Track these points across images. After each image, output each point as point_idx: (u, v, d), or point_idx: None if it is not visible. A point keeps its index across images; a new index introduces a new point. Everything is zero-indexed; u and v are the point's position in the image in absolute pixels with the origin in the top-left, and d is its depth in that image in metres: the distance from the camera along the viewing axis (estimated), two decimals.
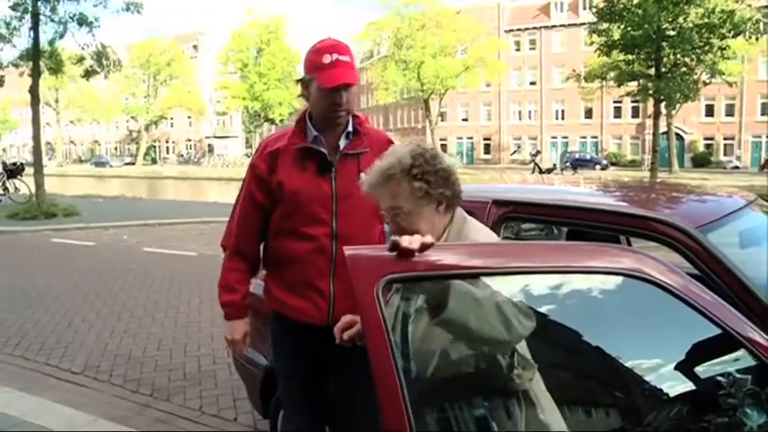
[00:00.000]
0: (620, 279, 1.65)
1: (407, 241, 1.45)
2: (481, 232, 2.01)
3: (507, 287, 1.80)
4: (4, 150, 77.12)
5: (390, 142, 2.52)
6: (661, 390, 1.71)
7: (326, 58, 2.36)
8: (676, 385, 1.73)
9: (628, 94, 29.53)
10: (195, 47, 78.62)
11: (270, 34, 59.58)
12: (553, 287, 1.79)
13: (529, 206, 2.94)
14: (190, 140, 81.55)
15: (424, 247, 1.47)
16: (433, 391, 1.67)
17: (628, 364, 1.75)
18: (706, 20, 24.04)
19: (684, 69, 25.82)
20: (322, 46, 2.41)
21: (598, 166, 49.56)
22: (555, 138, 60.59)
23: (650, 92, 26.82)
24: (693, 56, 25.26)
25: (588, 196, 3.39)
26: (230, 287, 2.61)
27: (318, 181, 2.45)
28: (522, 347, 1.85)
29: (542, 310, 1.80)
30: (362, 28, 55.56)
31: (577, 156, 50.35)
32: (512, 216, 2.91)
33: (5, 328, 6.61)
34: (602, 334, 1.80)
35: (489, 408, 1.80)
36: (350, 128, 2.49)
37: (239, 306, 2.61)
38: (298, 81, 2.56)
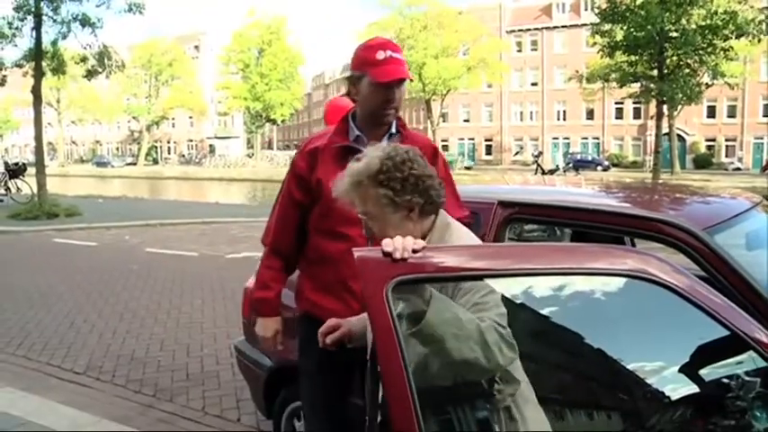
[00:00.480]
0: (624, 280, 1.64)
1: (392, 247, 1.45)
2: (464, 238, 1.96)
3: (514, 289, 1.81)
4: (6, 150, 77.18)
5: (433, 148, 2.53)
6: (664, 392, 1.71)
7: (380, 54, 2.36)
8: (681, 387, 1.72)
9: (630, 95, 29.58)
10: (197, 47, 78.73)
11: (271, 35, 59.60)
12: (559, 289, 1.79)
13: (534, 207, 2.93)
14: (191, 141, 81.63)
15: (415, 252, 1.46)
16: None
17: (632, 366, 1.74)
18: (709, 21, 24.09)
19: (687, 71, 25.83)
20: (374, 43, 2.42)
21: (599, 168, 49.59)
22: (556, 139, 60.61)
23: (653, 93, 26.84)
24: (696, 57, 25.26)
25: (593, 198, 3.39)
26: (265, 284, 2.61)
27: None
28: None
29: (547, 311, 1.80)
30: (364, 28, 55.56)
31: (579, 157, 50.35)
32: (517, 217, 2.91)
33: (8, 329, 6.61)
34: (606, 336, 1.80)
35: (467, 423, 1.76)
36: (393, 129, 2.48)
37: (272, 303, 2.60)
38: (347, 78, 2.55)
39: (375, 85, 2.36)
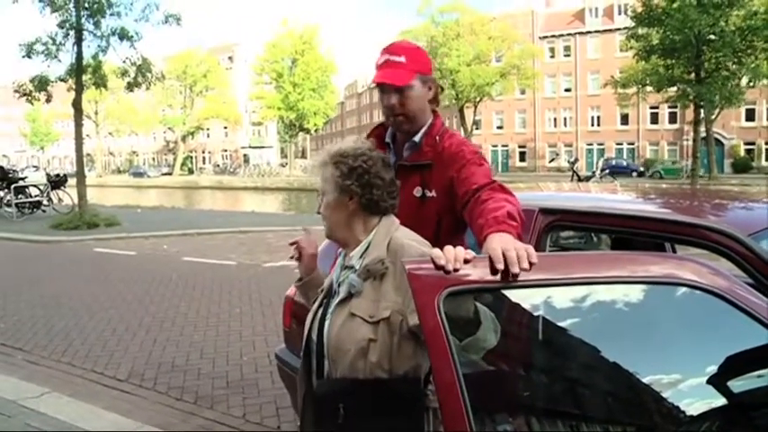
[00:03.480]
0: (665, 287, 1.62)
1: (443, 260, 1.44)
2: (411, 235, 1.97)
3: (564, 297, 1.80)
4: (47, 162, 78.94)
5: (470, 153, 2.27)
6: (711, 398, 1.67)
7: (380, 59, 2.29)
8: (726, 392, 1.69)
9: (667, 100, 29.21)
10: (230, 58, 79.72)
11: (304, 44, 60.10)
12: (606, 297, 1.78)
13: (576, 214, 2.90)
14: (226, 150, 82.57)
15: (466, 261, 1.45)
16: None
17: (679, 375, 1.72)
18: (749, 22, 23.70)
19: (726, 73, 25.42)
20: (385, 47, 2.33)
21: (634, 173, 48.91)
22: (590, 145, 59.98)
23: (690, 97, 26.46)
24: (735, 59, 24.85)
25: (633, 204, 3.37)
26: None
27: None
28: None
29: (596, 320, 1.79)
30: (397, 36, 55.77)
31: (614, 162, 49.76)
32: (559, 224, 2.87)
33: (53, 336, 6.75)
34: (652, 344, 1.78)
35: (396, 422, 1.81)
36: (417, 137, 2.34)
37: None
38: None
39: (378, 92, 2.32)
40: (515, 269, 1.41)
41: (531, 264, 1.45)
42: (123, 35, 17.21)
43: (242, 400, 4.95)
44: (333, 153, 1.98)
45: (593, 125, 60.40)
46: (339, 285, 1.97)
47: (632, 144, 58.47)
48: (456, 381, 1.29)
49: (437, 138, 2.33)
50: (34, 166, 57.64)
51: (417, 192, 2.29)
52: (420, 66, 2.30)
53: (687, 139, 40.54)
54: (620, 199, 3.64)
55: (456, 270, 1.41)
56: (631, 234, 2.91)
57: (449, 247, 1.47)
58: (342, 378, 1.84)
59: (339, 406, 1.80)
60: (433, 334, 1.33)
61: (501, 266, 1.40)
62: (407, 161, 2.34)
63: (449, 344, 1.31)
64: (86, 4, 16.70)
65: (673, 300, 1.69)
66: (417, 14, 53.14)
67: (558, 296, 1.64)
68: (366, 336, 1.81)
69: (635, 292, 1.68)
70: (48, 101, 18.04)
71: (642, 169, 51.12)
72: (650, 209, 3.15)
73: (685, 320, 1.76)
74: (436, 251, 1.47)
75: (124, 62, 17.86)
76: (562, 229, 3.71)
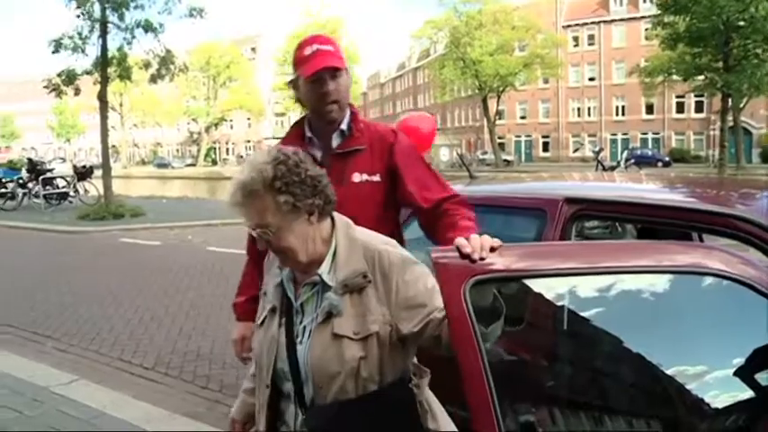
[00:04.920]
0: (700, 278, 1.59)
1: (470, 248, 1.43)
2: (368, 233, 1.87)
3: (589, 287, 1.79)
4: (74, 154, 79.85)
5: (395, 134, 2.43)
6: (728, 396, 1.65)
7: (307, 50, 2.30)
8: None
9: (694, 89, 28.79)
10: (254, 49, 79.92)
11: (330, 35, 60.02)
12: (632, 287, 1.77)
13: (602, 204, 2.87)
14: (249, 141, 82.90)
15: (492, 250, 1.45)
16: None
17: (706, 368, 1.71)
18: None
19: (755, 61, 24.97)
20: (303, 41, 2.37)
21: (660, 163, 48.29)
22: (615, 135, 59.34)
23: (718, 86, 26.05)
24: (766, 46, 24.39)
25: (661, 193, 3.34)
26: (239, 289, 2.64)
27: None
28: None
29: (622, 309, 1.78)
30: (420, 27, 55.55)
31: (639, 152, 49.21)
32: (584, 214, 2.85)
33: (81, 324, 6.86)
34: (678, 336, 1.77)
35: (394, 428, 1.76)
36: (343, 125, 2.37)
37: (241, 308, 2.58)
38: (289, 83, 2.48)
39: (306, 83, 2.30)
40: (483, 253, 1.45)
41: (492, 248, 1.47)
42: (147, 27, 17.35)
43: None
44: (266, 180, 1.68)
45: (617, 115, 59.73)
46: (302, 305, 1.79)
47: (658, 134, 57.75)
48: (482, 370, 1.29)
49: (362, 124, 2.41)
50: (61, 158, 58.24)
51: (356, 177, 2.32)
52: (342, 54, 2.36)
53: (714, 129, 39.95)
54: (646, 188, 3.60)
55: (482, 259, 1.40)
56: (658, 224, 2.89)
57: (474, 236, 1.46)
58: (333, 403, 1.69)
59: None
60: (459, 323, 1.33)
61: (475, 256, 1.43)
62: (340, 149, 2.36)
63: (475, 333, 1.31)
64: None
65: (700, 289, 1.67)
66: (439, 5, 52.78)
67: (583, 285, 1.63)
68: (356, 355, 1.67)
69: (661, 282, 1.66)
70: (76, 94, 18.25)
71: (668, 159, 50.44)
72: (677, 198, 3.11)
73: (712, 311, 1.74)
74: (461, 239, 1.45)
75: (148, 54, 18.00)
76: (587, 219, 3.69)
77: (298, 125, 2.47)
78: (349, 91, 2.36)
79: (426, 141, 4.22)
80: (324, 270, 1.75)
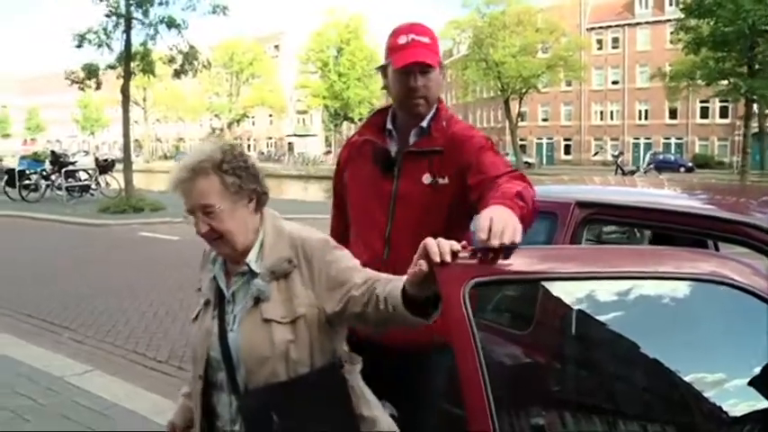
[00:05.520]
0: (701, 284, 1.57)
1: (497, 237, 1.38)
2: (295, 225, 1.93)
3: (589, 291, 1.78)
4: (96, 147, 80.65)
5: (483, 139, 2.23)
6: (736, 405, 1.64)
7: (402, 39, 2.17)
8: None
9: (717, 94, 28.46)
10: (277, 46, 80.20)
11: (350, 34, 60.11)
12: (635, 293, 1.76)
13: (613, 208, 2.84)
14: (271, 138, 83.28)
15: (454, 256, 1.39)
16: None
17: (716, 377, 1.70)
18: None
19: None
20: (400, 27, 2.22)
21: (683, 169, 47.82)
22: (638, 139, 58.78)
23: (742, 91, 25.75)
24: None
25: (675, 199, 3.27)
26: None
27: (380, 180, 2.25)
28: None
29: (626, 315, 1.77)
30: (442, 27, 55.40)
31: (662, 157, 48.72)
32: (595, 218, 2.83)
33: (97, 316, 6.95)
34: (682, 342, 1.76)
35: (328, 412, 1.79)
36: (424, 123, 2.24)
37: None
38: (378, 68, 2.37)
39: (395, 74, 2.18)
40: (494, 241, 1.36)
41: (513, 243, 1.39)
42: (171, 23, 17.50)
43: None
44: (215, 161, 1.76)
45: (640, 119, 59.16)
46: (233, 294, 1.84)
47: (681, 139, 57.10)
48: (480, 373, 1.28)
49: (444, 123, 2.26)
50: (84, 151, 58.83)
51: (426, 179, 2.20)
52: (438, 49, 2.25)
53: (739, 135, 39.35)
54: (662, 193, 3.57)
55: (444, 262, 1.37)
56: (672, 230, 2.85)
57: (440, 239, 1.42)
58: (266, 386, 1.73)
59: (272, 415, 1.72)
60: (457, 326, 1.32)
61: (484, 236, 1.36)
62: (415, 147, 2.24)
63: (473, 336, 1.30)
64: None
65: (711, 298, 1.66)
66: (463, 6, 52.61)
67: (585, 290, 1.62)
68: (284, 338, 1.73)
69: (672, 289, 1.65)
70: (97, 88, 18.44)
71: (691, 165, 49.87)
72: (693, 204, 3.06)
73: (725, 320, 1.73)
74: (429, 240, 1.42)
75: (171, 50, 18.15)
76: (599, 223, 3.66)
77: (379, 113, 2.38)
78: (439, 87, 2.26)
79: None
80: (251, 258, 1.81)
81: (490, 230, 1.39)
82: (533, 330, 2.56)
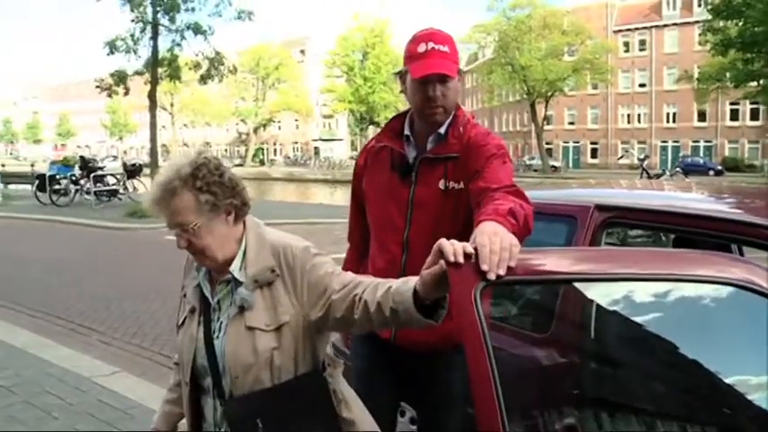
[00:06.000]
0: (726, 289, 1.55)
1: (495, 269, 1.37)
2: (279, 233, 1.95)
3: (604, 293, 1.78)
4: (124, 152, 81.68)
5: (495, 147, 2.21)
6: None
7: (421, 47, 2.16)
8: None
9: (746, 95, 28.03)
10: (302, 51, 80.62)
11: (375, 38, 60.27)
12: (654, 295, 1.75)
13: (633, 211, 2.83)
14: (297, 143, 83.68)
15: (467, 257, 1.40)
16: None
17: (729, 381, 1.69)
18: None
19: None
20: (419, 35, 2.22)
21: (712, 172, 47.08)
22: (665, 142, 58.11)
23: None
24: None
25: (699, 202, 3.21)
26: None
27: (398, 185, 2.28)
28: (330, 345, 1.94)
29: (639, 318, 1.77)
30: (468, 31, 55.29)
31: (690, 160, 48.08)
32: (615, 221, 2.82)
33: (125, 318, 7.06)
34: (703, 346, 1.75)
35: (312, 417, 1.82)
36: (442, 129, 2.25)
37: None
38: (396, 74, 2.37)
39: (414, 82, 2.18)
40: (491, 274, 1.35)
41: (508, 267, 1.37)
42: (197, 29, 17.72)
43: None
44: (186, 179, 1.74)
45: (668, 122, 58.45)
46: (218, 302, 1.87)
47: (710, 142, 56.27)
48: (491, 375, 1.29)
49: (461, 129, 2.26)
50: (113, 156, 59.62)
51: (442, 184, 2.22)
52: (457, 57, 2.24)
53: None
54: (684, 196, 3.51)
55: (458, 264, 1.38)
56: (694, 234, 2.79)
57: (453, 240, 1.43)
58: (251, 393, 1.77)
59: (257, 422, 1.75)
60: (468, 328, 1.33)
61: (485, 268, 1.35)
62: (432, 153, 2.26)
63: (484, 337, 1.31)
64: (162, 1, 17.25)
65: (725, 300, 1.66)
66: (488, 9, 52.49)
67: (596, 291, 1.63)
68: (268, 345, 1.76)
69: (682, 290, 1.65)
70: (126, 94, 18.71)
71: (720, 168, 49.08)
72: (717, 207, 3.02)
73: (739, 322, 1.72)
74: (443, 240, 1.43)
75: (197, 55, 18.37)
76: (619, 227, 3.64)
77: (396, 119, 2.39)
78: (457, 95, 2.26)
79: None
80: (235, 267, 1.83)
81: (489, 259, 1.38)
82: (553, 331, 2.57)
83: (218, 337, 1.83)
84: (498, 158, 2.18)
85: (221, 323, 1.84)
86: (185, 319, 1.92)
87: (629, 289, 1.66)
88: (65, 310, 7.43)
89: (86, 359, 5.58)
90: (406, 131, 2.31)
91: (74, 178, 20.90)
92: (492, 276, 1.35)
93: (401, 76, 2.30)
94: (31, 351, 5.75)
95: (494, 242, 1.40)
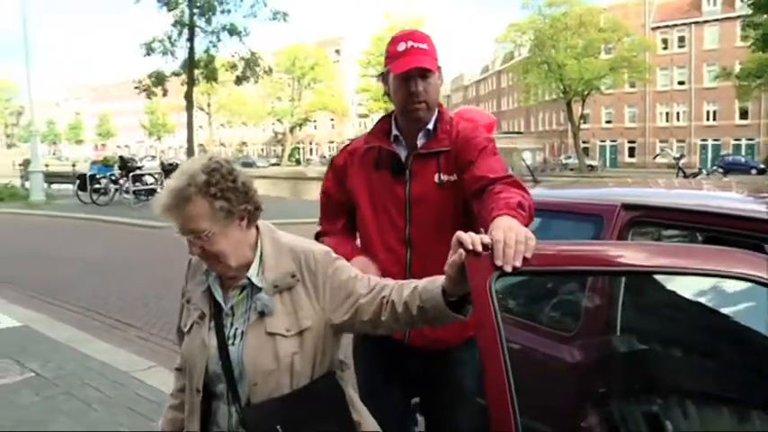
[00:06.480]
0: (746, 284, 1.53)
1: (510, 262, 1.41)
2: (290, 236, 1.93)
3: (626, 287, 1.81)
4: (162, 152, 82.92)
5: (486, 140, 2.27)
6: None
7: (401, 46, 2.22)
8: None
9: None
10: (338, 51, 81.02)
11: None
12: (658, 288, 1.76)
13: (660, 210, 2.81)
14: (332, 142, 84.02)
15: (485, 248, 1.44)
16: None
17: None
18: None
19: None
20: (398, 35, 2.29)
21: (754, 171, 46.00)
22: (705, 141, 57.08)
23: None
24: None
25: (730, 201, 3.15)
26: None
27: (392, 184, 2.30)
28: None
29: (645, 310, 1.79)
30: (503, 29, 54.97)
31: (730, 159, 47.09)
32: (641, 220, 2.80)
33: (162, 315, 7.23)
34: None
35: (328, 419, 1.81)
36: (430, 125, 2.29)
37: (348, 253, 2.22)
38: (378, 76, 2.40)
39: (396, 80, 2.23)
40: (507, 267, 1.40)
41: (524, 258, 1.42)
42: (232, 31, 17.97)
43: None
44: (200, 186, 1.71)
45: (708, 120, 57.39)
46: (232, 308, 1.84)
47: (752, 140, 55.07)
48: (503, 363, 1.33)
49: (448, 124, 2.31)
50: (151, 156, 60.62)
51: (436, 178, 2.26)
52: (436, 54, 2.27)
53: None
54: (716, 195, 3.44)
55: (477, 252, 1.43)
56: (723, 233, 2.75)
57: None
58: (271, 399, 1.75)
59: (277, 428, 1.72)
60: (482, 315, 1.38)
61: (499, 263, 1.40)
62: (424, 149, 2.29)
63: (498, 326, 1.35)
64: (198, 3, 17.51)
65: (738, 294, 1.67)
66: (523, 8, 52.11)
67: (611, 283, 1.66)
68: (290, 351, 1.75)
69: (692, 284, 1.67)
70: (164, 95, 19.05)
71: (763, 166, 47.93)
72: (748, 207, 2.91)
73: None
74: (460, 232, 1.49)
75: (233, 56, 18.62)
76: (646, 226, 3.60)
77: (384, 121, 2.41)
78: (438, 92, 2.30)
79: None
80: (252, 273, 1.80)
81: (504, 254, 1.42)
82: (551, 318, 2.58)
83: (233, 343, 1.80)
84: (490, 151, 2.22)
85: (236, 329, 1.81)
86: (193, 324, 1.87)
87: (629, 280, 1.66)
88: (104, 307, 7.64)
89: (124, 354, 5.74)
90: (395, 131, 2.34)
91: (113, 178, 21.31)
92: (508, 269, 1.39)
93: (383, 77, 2.34)
94: (72, 345, 5.94)
95: (509, 237, 1.44)
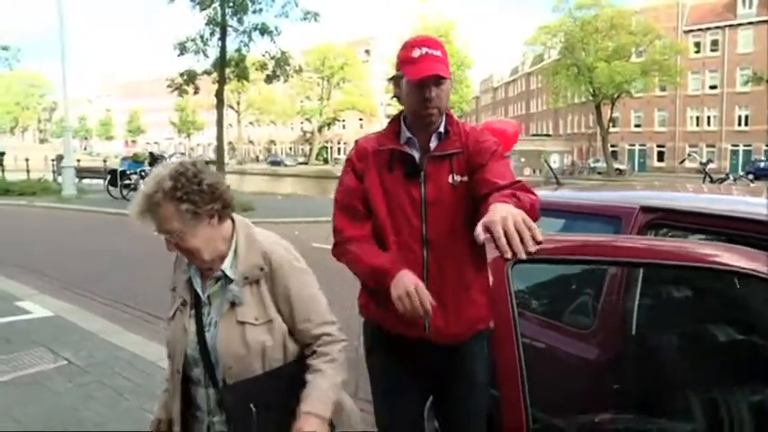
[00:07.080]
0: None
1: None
2: (265, 233, 2.10)
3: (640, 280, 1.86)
4: (191, 149, 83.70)
5: (495, 144, 2.35)
6: None
7: (416, 52, 2.27)
8: None
9: None
10: (367, 51, 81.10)
11: (440, 38, 59.91)
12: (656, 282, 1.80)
13: (678, 213, 2.82)
14: None
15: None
16: None
17: None
18: None
19: None
20: (412, 41, 2.34)
21: None
22: (736, 146, 56.11)
23: None
24: None
25: (751, 206, 3.06)
26: (372, 258, 2.29)
27: (407, 186, 2.34)
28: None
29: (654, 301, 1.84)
30: (534, 32, 54.62)
31: (762, 165, 46.30)
32: (660, 223, 2.83)
33: None
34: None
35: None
36: (441, 128, 2.36)
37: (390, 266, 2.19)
38: (390, 79, 2.44)
39: (410, 85, 2.27)
40: (521, 255, 1.38)
41: (537, 242, 1.42)
42: (264, 30, 18.12)
43: (355, 379, 5.21)
44: (166, 191, 1.86)
45: (740, 125, 56.44)
46: (209, 297, 2.01)
47: None
48: (516, 350, 1.39)
49: (458, 127, 2.39)
50: (181, 153, 61.37)
51: (452, 179, 2.32)
52: (448, 61, 2.34)
53: None
54: (736, 200, 3.46)
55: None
56: (741, 237, 2.76)
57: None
58: (244, 380, 1.92)
59: (250, 406, 1.90)
60: (498, 301, 1.44)
61: (508, 256, 1.40)
62: (438, 151, 2.34)
63: (512, 310, 1.42)
64: (231, 2, 17.72)
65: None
66: (553, 10, 51.74)
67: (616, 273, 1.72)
68: (259, 338, 1.93)
69: (687, 276, 1.72)
70: (195, 93, 19.29)
71: None
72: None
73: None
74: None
75: (263, 56, 18.79)
76: (664, 228, 3.62)
77: (394, 123, 2.45)
78: (449, 97, 2.37)
79: (509, 143, 4.43)
80: (226, 265, 1.98)
81: (508, 239, 1.43)
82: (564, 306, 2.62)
83: (209, 330, 1.97)
84: (499, 156, 2.32)
85: (212, 318, 1.99)
86: (176, 311, 2.06)
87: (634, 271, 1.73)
88: (133, 299, 7.83)
89: (153, 345, 5.88)
90: (407, 134, 2.39)
91: (143, 174, 21.54)
92: (522, 255, 1.39)
93: (395, 80, 2.39)
94: (102, 336, 6.13)
95: (508, 227, 1.45)
